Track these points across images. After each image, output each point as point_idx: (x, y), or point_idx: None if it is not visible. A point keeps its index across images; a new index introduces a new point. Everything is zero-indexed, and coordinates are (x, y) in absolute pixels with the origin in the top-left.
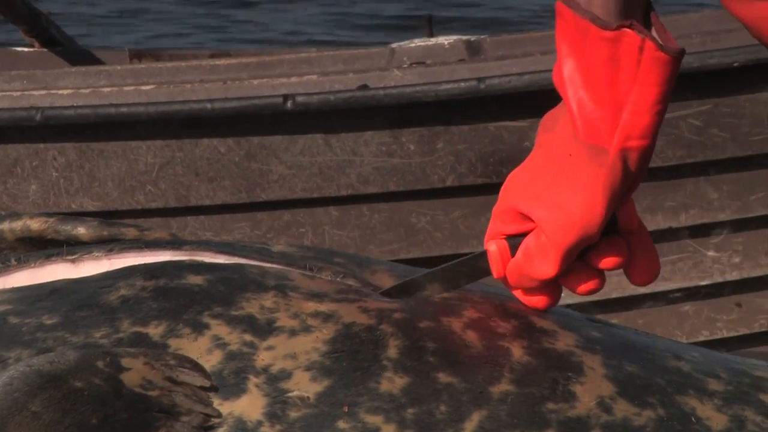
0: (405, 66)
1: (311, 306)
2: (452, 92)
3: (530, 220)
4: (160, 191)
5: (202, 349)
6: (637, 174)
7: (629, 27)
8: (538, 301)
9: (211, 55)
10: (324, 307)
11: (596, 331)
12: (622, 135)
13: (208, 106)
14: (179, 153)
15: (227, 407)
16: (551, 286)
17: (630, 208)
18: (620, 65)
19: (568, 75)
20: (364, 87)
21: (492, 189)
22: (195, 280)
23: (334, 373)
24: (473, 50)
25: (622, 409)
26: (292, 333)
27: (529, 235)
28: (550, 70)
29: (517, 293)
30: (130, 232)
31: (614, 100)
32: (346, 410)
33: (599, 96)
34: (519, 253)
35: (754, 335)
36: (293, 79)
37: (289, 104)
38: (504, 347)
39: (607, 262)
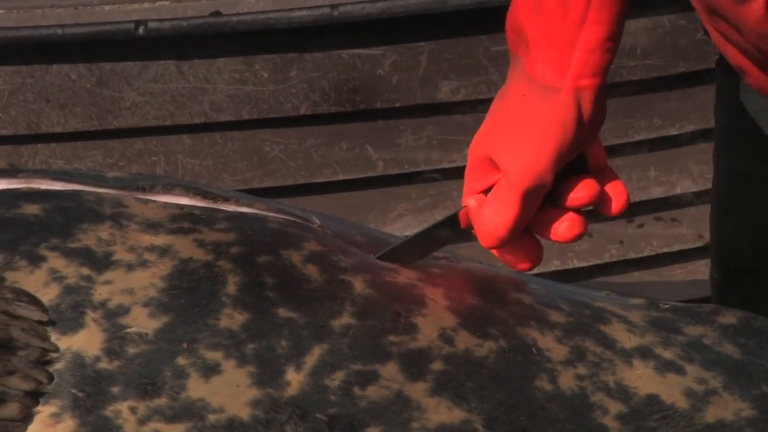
0: None
1: (147, 239)
2: (305, 19)
3: (498, 168)
4: (11, 118)
5: (39, 282)
6: (593, 114)
7: None
8: (516, 259)
9: None
10: (160, 240)
11: (439, 265)
12: (575, 73)
13: (59, 31)
14: (30, 79)
15: (65, 342)
16: (526, 243)
17: (598, 147)
18: (569, 6)
19: (522, 17)
20: (217, 13)
21: (345, 118)
22: (31, 209)
23: (173, 309)
24: None
25: (464, 340)
26: (130, 267)
27: (496, 184)
28: None
29: (497, 253)
30: None
31: (566, 41)
32: (186, 347)
33: (551, 37)
34: (484, 203)
35: (605, 265)
36: (145, 5)
37: (141, 30)
38: (345, 281)
39: (575, 199)
